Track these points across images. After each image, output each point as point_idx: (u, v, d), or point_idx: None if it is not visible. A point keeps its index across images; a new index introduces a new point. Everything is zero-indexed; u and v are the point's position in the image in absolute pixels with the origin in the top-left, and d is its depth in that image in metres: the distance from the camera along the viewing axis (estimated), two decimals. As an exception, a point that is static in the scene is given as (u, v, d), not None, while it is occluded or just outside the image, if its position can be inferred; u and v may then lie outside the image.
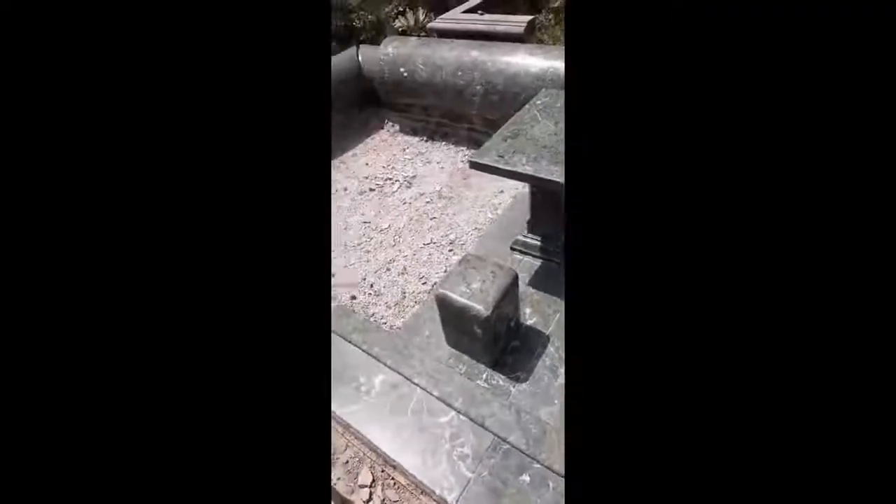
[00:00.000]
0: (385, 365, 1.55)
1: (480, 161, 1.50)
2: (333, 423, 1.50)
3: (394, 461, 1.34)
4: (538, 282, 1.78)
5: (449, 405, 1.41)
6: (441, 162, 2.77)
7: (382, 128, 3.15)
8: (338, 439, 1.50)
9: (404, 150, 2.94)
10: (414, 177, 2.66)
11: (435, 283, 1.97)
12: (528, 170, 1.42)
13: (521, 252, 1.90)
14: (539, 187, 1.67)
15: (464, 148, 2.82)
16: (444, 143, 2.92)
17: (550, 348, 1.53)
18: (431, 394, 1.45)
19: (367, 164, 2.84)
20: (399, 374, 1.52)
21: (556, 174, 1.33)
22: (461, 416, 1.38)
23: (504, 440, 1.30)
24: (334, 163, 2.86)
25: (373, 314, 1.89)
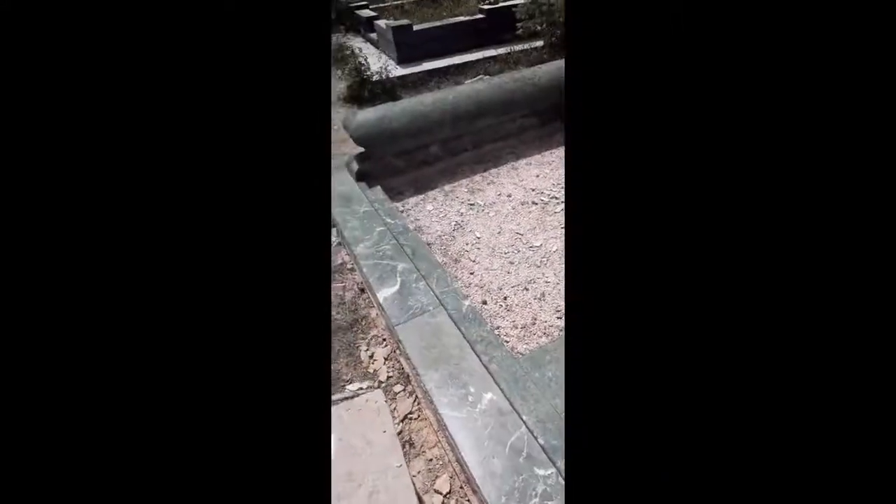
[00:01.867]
0: (499, 387, 1.50)
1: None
2: (433, 417, 1.52)
3: (476, 485, 1.29)
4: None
5: (551, 460, 1.29)
6: (616, 197, 2.55)
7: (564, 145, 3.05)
8: (430, 434, 1.52)
9: (580, 173, 2.80)
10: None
11: (571, 323, 1.83)
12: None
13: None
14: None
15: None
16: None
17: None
18: (537, 439, 1.35)
19: (538, 175, 2.79)
20: (510, 402, 1.45)
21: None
22: (561, 479, 1.25)
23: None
24: (504, 168, 2.88)
25: (497, 327, 1.85)
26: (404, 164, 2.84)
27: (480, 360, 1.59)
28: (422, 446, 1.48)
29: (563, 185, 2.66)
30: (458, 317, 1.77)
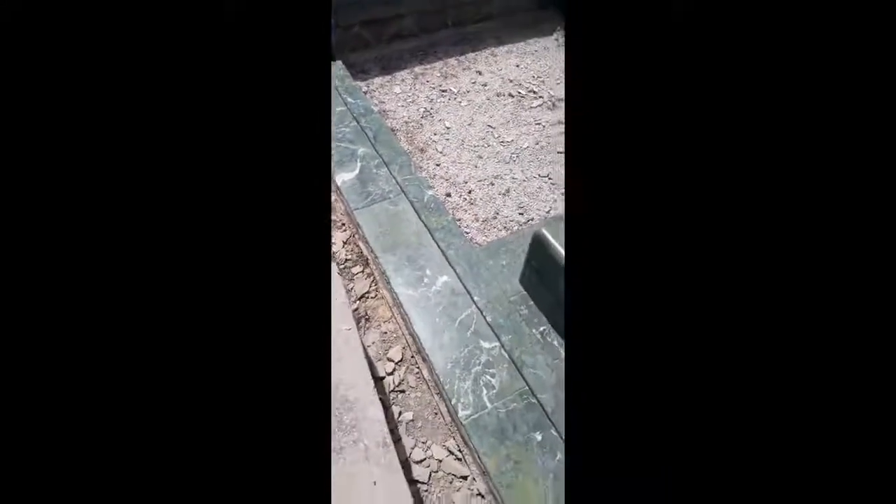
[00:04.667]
0: (454, 270, 1.54)
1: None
2: (389, 296, 1.57)
3: (426, 355, 1.40)
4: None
5: (497, 335, 1.40)
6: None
7: (552, 34, 2.78)
8: (385, 311, 1.58)
9: (563, 67, 2.60)
10: (561, 100, 2.37)
11: (532, 219, 1.85)
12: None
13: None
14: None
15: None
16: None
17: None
18: (485, 317, 1.44)
19: (518, 65, 2.58)
20: (463, 285, 1.51)
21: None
22: (503, 351, 1.37)
23: (533, 394, 1.28)
24: (483, 54, 2.62)
25: (460, 220, 1.85)
26: (372, 36, 2.51)
27: (438, 247, 1.61)
28: (377, 321, 1.55)
29: (544, 77, 2.48)
30: (419, 206, 1.74)
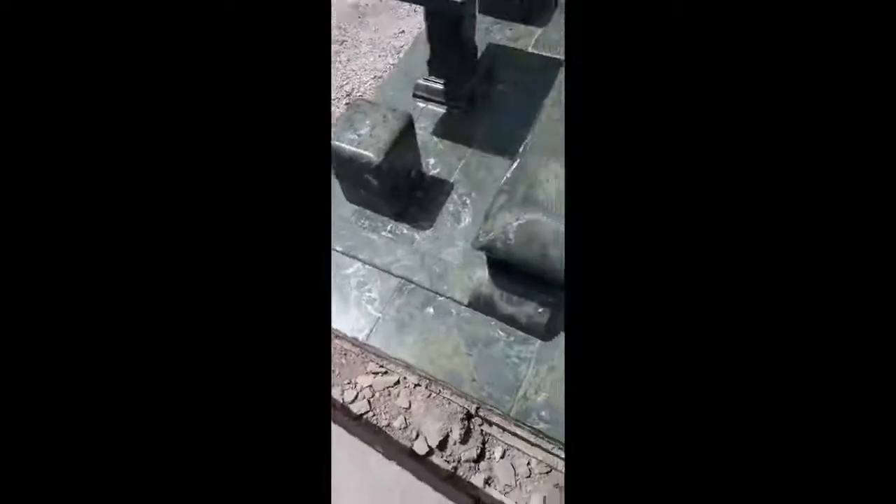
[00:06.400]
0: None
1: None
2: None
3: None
4: (443, 130, 1.68)
5: (354, 257, 1.41)
6: (329, -3, 2.29)
7: None
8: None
9: None
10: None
11: (333, 142, 1.80)
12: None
13: (423, 99, 1.74)
14: (435, 13, 1.44)
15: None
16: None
17: (454, 195, 1.52)
18: (336, 249, 1.42)
19: None
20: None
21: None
22: (367, 266, 1.39)
23: (409, 281, 1.36)
24: None
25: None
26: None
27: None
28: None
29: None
30: None
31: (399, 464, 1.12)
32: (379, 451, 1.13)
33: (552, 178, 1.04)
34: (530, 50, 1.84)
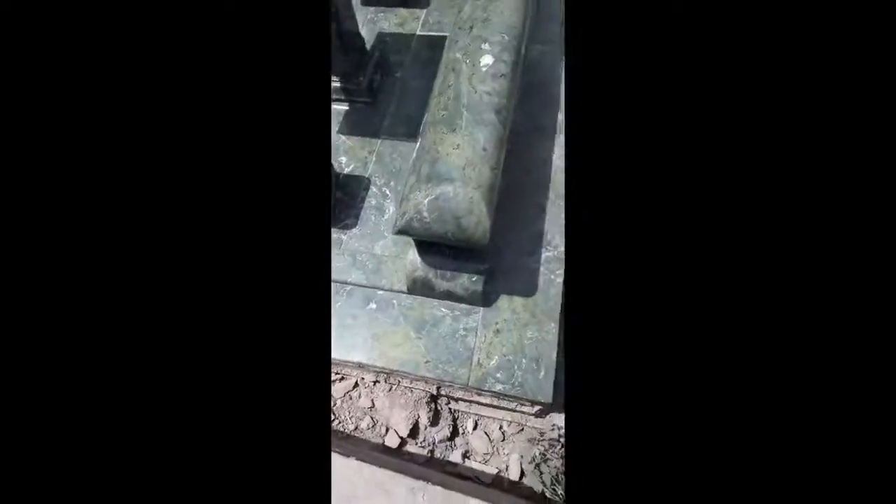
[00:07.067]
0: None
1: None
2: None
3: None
4: (349, 127, 1.66)
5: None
6: None
7: None
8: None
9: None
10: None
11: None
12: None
13: (322, 100, 1.70)
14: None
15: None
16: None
17: (373, 188, 1.51)
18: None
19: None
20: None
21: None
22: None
23: (345, 283, 1.34)
24: None
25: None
26: None
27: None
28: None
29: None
30: None
31: (373, 462, 1.12)
32: (353, 458, 1.12)
33: (452, 151, 1.06)
34: (419, 33, 1.85)
